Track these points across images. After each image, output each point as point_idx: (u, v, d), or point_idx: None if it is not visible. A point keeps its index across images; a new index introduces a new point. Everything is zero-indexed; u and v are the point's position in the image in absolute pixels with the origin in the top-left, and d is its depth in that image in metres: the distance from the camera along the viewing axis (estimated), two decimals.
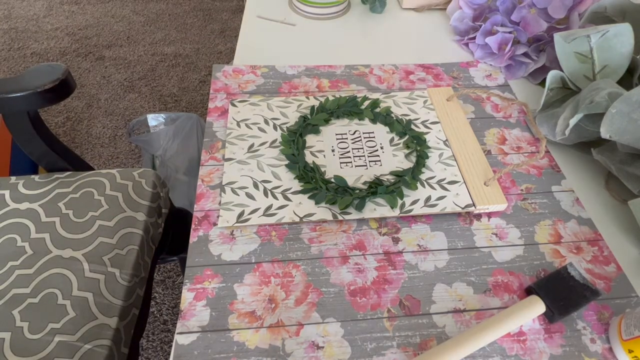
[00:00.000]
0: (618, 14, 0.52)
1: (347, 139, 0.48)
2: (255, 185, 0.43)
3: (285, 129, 0.49)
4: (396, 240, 0.41)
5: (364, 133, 0.49)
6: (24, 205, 0.53)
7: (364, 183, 0.44)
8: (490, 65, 0.60)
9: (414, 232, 0.41)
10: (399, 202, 0.42)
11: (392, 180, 0.44)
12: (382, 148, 0.47)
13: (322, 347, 0.34)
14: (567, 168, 0.48)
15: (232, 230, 0.41)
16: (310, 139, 0.48)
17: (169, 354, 0.90)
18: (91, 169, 0.61)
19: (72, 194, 0.55)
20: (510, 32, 0.57)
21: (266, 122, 0.49)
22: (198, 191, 0.43)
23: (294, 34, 0.65)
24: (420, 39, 0.66)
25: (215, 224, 0.41)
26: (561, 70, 0.51)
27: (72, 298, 0.46)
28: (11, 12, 1.86)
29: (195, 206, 0.43)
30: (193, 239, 0.40)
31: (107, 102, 1.47)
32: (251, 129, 0.48)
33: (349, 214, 0.41)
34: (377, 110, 0.51)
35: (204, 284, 0.37)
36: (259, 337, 0.34)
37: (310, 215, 0.41)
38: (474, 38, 0.61)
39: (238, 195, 0.42)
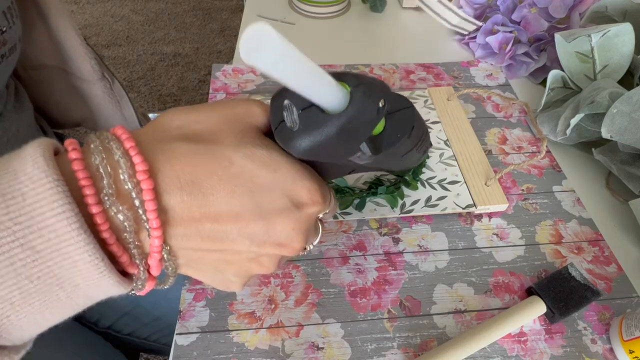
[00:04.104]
0: (619, 14, 0.52)
1: None
2: None
3: None
4: (396, 241, 0.41)
5: None
6: None
7: (364, 183, 0.43)
8: (491, 64, 0.60)
9: (415, 232, 0.41)
10: (400, 202, 0.42)
11: (393, 180, 0.44)
12: None
13: (322, 348, 0.34)
14: (568, 168, 0.48)
15: None
16: None
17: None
18: None
19: None
20: (511, 32, 0.57)
21: None
22: None
23: (294, 33, 0.65)
24: (421, 38, 0.66)
25: None
26: (562, 69, 0.50)
27: None
28: None
29: None
30: None
31: None
32: None
33: (349, 214, 0.41)
34: None
35: (203, 284, 0.37)
36: (259, 337, 0.34)
37: None
38: (475, 37, 0.61)
39: None
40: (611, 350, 0.35)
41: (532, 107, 0.54)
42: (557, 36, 0.49)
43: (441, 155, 0.46)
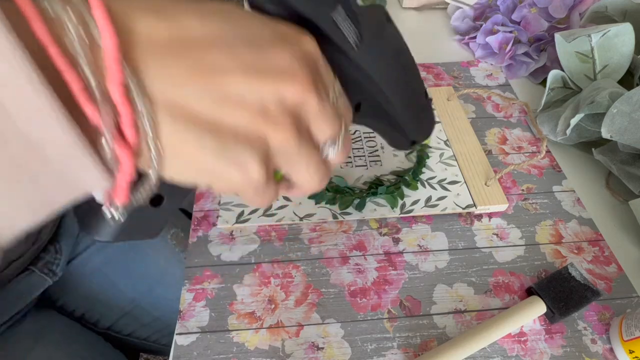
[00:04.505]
0: (619, 14, 0.52)
1: None
2: None
3: None
4: (396, 241, 0.41)
5: (364, 133, 0.48)
6: None
7: (364, 183, 0.43)
8: (491, 64, 0.60)
9: (415, 232, 0.41)
10: (400, 202, 0.42)
11: (393, 181, 0.44)
12: (382, 148, 0.47)
13: (322, 348, 0.34)
14: (568, 168, 0.48)
15: (232, 231, 0.41)
16: None
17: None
18: None
19: None
20: (511, 32, 0.57)
21: None
22: (197, 191, 0.43)
23: None
24: (421, 38, 0.66)
25: (214, 224, 0.41)
26: (562, 69, 0.50)
27: None
28: None
29: (194, 206, 0.42)
30: (192, 239, 0.40)
31: None
32: None
33: (349, 214, 0.41)
34: None
35: (203, 284, 0.37)
36: (259, 338, 0.34)
37: (310, 215, 0.41)
38: (475, 37, 0.61)
39: (238, 195, 0.42)
40: (611, 350, 0.35)
41: (532, 107, 0.54)
42: (557, 36, 0.49)
43: (441, 155, 0.46)
